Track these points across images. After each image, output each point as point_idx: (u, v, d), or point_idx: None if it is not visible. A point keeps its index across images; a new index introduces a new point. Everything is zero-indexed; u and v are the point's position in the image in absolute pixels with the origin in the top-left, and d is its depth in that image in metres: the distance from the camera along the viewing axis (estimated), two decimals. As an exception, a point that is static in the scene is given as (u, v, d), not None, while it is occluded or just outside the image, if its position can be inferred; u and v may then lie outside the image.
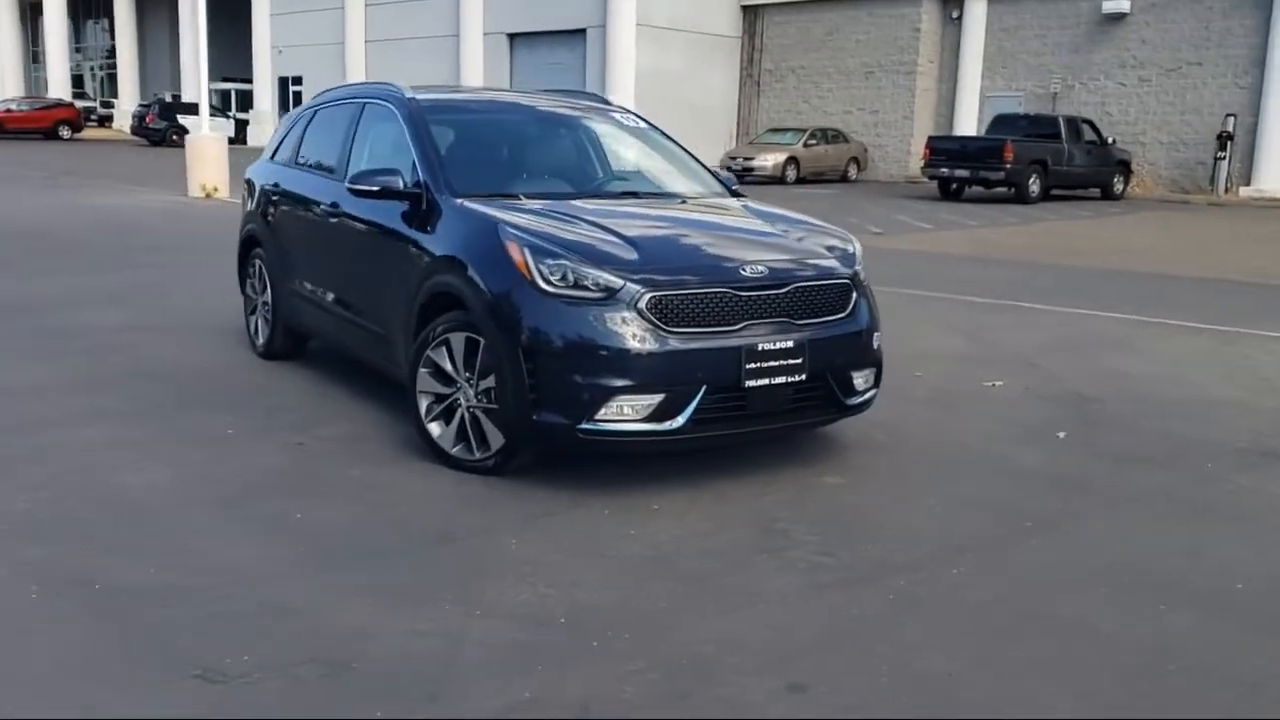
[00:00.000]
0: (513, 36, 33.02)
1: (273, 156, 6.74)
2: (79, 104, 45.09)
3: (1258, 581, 3.63)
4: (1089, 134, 23.46)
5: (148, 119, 38.31)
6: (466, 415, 4.45)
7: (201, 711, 2.66)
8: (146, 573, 3.44)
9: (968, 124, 28.28)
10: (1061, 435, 5.29)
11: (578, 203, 4.97)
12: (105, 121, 49.86)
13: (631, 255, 4.30)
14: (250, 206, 6.76)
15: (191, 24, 37.90)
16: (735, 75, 32.78)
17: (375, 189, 4.96)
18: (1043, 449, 5.08)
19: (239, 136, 38.68)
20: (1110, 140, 23.92)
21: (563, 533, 3.89)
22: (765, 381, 4.27)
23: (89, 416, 5.18)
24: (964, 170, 22.21)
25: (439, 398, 4.55)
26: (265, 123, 40.20)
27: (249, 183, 6.86)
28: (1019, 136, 22.25)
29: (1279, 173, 24.04)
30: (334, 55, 37.40)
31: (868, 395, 4.76)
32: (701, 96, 31.32)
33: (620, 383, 4.08)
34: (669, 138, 6.09)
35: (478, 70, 33.29)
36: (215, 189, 17.91)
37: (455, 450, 4.50)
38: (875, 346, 4.76)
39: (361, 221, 5.34)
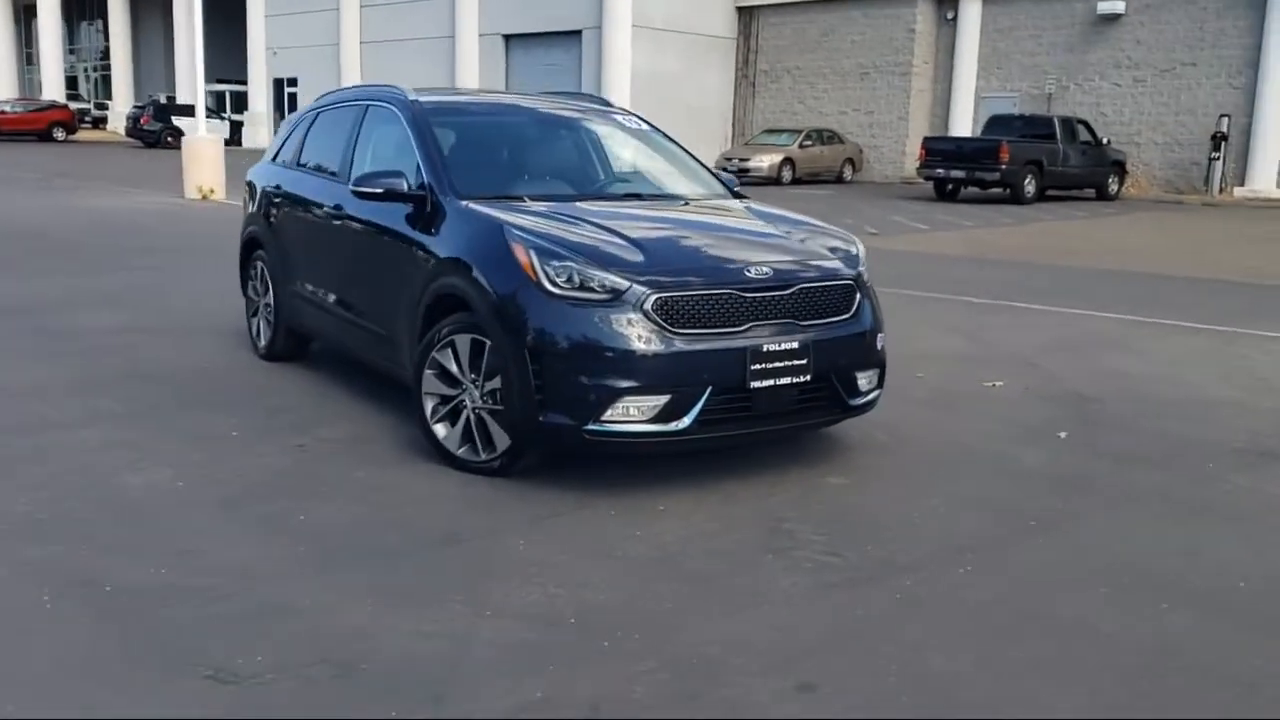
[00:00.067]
0: (508, 38, 33.00)
1: (274, 159, 6.74)
2: (73, 106, 45.01)
3: (1256, 581, 3.65)
4: (1084, 134, 23.51)
5: (142, 121, 38.26)
6: (472, 416, 4.46)
7: (216, 712, 2.67)
8: (147, 573, 3.45)
9: (963, 125, 28.34)
10: (1062, 435, 5.32)
11: (581, 204, 4.98)
12: (99, 123, 49.73)
13: (637, 257, 4.32)
14: (252, 209, 6.75)
15: (186, 25, 37.97)
16: (730, 76, 32.79)
17: (379, 191, 4.96)
18: (1043, 449, 5.11)
19: (234, 138, 38.66)
20: (1105, 141, 23.98)
21: (569, 534, 3.90)
22: (770, 382, 4.28)
23: (89, 417, 5.18)
24: (959, 171, 22.23)
25: (444, 399, 4.56)
26: (260, 124, 40.19)
27: (250, 185, 6.85)
28: (1014, 137, 22.28)
29: (1273, 173, 24.14)
30: (329, 57, 37.36)
31: (872, 396, 4.78)
32: (697, 97, 31.34)
33: (626, 384, 4.10)
34: (670, 139, 6.11)
35: (473, 72, 33.27)
36: (212, 190, 17.90)
37: (461, 451, 4.50)
38: (879, 347, 4.78)
39: (365, 224, 5.35)
